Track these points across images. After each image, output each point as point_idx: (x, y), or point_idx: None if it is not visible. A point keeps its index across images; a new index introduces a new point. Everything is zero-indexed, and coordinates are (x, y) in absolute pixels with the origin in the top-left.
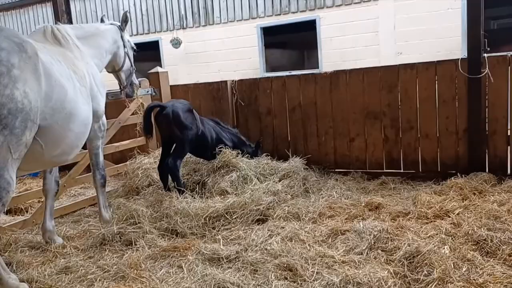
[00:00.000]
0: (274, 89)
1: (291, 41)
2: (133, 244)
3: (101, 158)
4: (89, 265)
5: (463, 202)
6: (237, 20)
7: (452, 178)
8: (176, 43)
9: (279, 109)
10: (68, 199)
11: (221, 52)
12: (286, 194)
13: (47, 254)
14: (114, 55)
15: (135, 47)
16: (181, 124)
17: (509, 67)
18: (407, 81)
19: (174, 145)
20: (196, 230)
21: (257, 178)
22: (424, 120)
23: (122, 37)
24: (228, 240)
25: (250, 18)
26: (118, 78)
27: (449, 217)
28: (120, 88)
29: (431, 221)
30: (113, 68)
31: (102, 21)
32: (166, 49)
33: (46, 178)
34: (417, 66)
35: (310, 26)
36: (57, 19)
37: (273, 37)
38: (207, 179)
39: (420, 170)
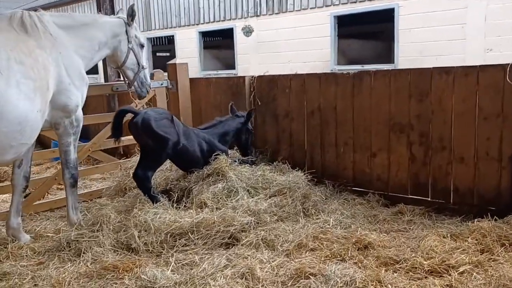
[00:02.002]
0: (293, 88)
1: (371, 32)
2: (81, 255)
3: (73, 156)
4: (27, 274)
5: (479, 255)
6: (310, 8)
7: (476, 220)
8: (247, 31)
9: (297, 111)
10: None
11: (292, 42)
12: (271, 215)
13: (3, 253)
14: (115, 49)
15: (144, 43)
16: (153, 134)
17: None
18: (442, 89)
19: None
20: (153, 247)
21: (248, 191)
22: (459, 140)
23: (127, 31)
24: (179, 264)
25: (324, 5)
26: (123, 74)
27: (449, 275)
28: (127, 85)
29: (423, 278)
30: (116, 64)
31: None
32: (239, 38)
33: (13, 173)
34: (455, 71)
35: (388, 16)
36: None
37: (349, 27)
38: (194, 187)
39: (451, 201)
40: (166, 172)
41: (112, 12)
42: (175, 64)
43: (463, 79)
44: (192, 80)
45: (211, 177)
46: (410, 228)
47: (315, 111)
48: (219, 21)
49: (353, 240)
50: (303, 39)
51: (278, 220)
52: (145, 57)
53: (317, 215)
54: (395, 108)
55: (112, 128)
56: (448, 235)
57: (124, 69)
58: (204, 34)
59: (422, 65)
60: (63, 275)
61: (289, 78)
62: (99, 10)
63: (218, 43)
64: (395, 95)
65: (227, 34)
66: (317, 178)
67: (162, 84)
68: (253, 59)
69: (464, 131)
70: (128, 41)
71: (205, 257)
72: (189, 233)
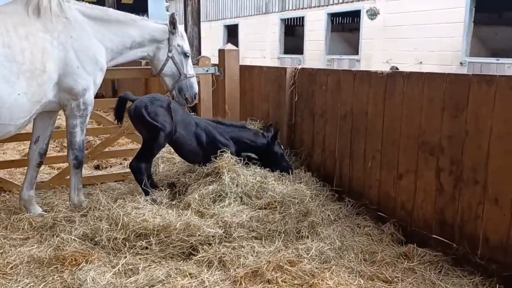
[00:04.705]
0: (329, 85)
1: None
2: (50, 239)
3: (78, 138)
4: (3, 247)
5: None
6: None
7: None
8: (372, 13)
9: (331, 112)
10: (106, 170)
11: (420, 27)
12: (248, 231)
13: (4, 223)
14: (153, 55)
15: (188, 53)
16: (144, 122)
17: None
18: (480, 102)
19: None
20: (115, 243)
21: (240, 198)
22: (496, 173)
23: (169, 39)
24: (124, 269)
25: None
26: (162, 81)
27: None
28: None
29: None
30: (155, 71)
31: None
32: (365, 21)
33: (30, 148)
34: (498, 81)
35: None
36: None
37: (496, 12)
38: (192, 185)
39: (478, 253)
40: (178, 164)
41: (199, 6)
42: (224, 50)
43: (507, 92)
44: (246, 68)
45: (209, 177)
46: (401, 279)
47: (348, 114)
48: (347, 2)
49: (312, 281)
50: (433, 24)
51: (255, 237)
52: (190, 66)
53: (304, 240)
54: (426, 122)
55: (115, 113)
56: None
57: (162, 76)
58: (333, 16)
59: None
60: (14, 257)
61: (327, 73)
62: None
63: (349, 26)
64: (427, 105)
65: (355, 17)
66: (339, 193)
67: (207, 70)
68: (376, 45)
69: (503, 162)
70: (169, 50)
71: (151, 265)
72: (150, 236)
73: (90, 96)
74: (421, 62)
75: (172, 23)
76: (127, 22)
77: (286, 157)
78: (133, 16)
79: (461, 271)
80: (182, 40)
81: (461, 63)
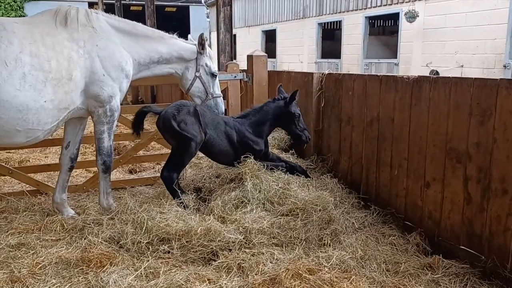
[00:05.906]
0: (355, 91)
1: None
2: (79, 241)
3: (106, 143)
4: (34, 248)
5: None
6: None
7: None
8: (410, 16)
9: (358, 119)
10: (138, 174)
11: (461, 30)
12: (269, 237)
13: (38, 224)
14: (181, 74)
15: (215, 73)
16: (175, 133)
17: None
18: (509, 110)
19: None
20: (139, 247)
21: (263, 204)
22: None
23: (197, 59)
24: (146, 272)
25: None
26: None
27: None
28: None
29: None
30: (183, 89)
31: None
32: (404, 24)
33: (61, 153)
34: None
35: None
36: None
37: None
38: (217, 190)
39: (508, 266)
40: (204, 169)
41: (231, 13)
42: (252, 56)
43: None
44: (275, 73)
45: (233, 182)
46: None
47: (374, 121)
48: (386, 5)
49: None
50: (474, 26)
51: (276, 244)
52: (217, 86)
53: (325, 248)
54: (453, 129)
55: (132, 125)
56: None
57: (190, 94)
58: (371, 19)
59: None
60: (43, 258)
61: (353, 78)
62: (218, 12)
63: (387, 29)
64: (453, 111)
65: (394, 20)
66: (365, 201)
67: (235, 76)
68: (416, 48)
69: None
70: (196, 69)
71: (171, 270)
72: (173, 241)
73: (116, 102)
74: (462, 66)
75: (201, 44)
76: (155, 38)
77: (302, 119)
78: (161, 33)
79: (489, 285)
80: (210, 60)
81: (504, 66)
